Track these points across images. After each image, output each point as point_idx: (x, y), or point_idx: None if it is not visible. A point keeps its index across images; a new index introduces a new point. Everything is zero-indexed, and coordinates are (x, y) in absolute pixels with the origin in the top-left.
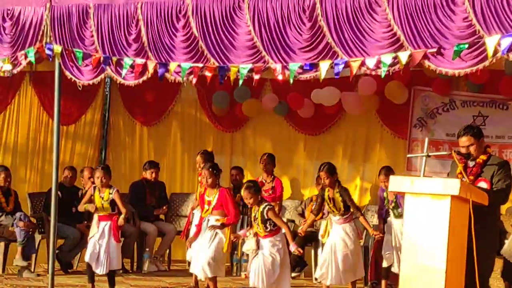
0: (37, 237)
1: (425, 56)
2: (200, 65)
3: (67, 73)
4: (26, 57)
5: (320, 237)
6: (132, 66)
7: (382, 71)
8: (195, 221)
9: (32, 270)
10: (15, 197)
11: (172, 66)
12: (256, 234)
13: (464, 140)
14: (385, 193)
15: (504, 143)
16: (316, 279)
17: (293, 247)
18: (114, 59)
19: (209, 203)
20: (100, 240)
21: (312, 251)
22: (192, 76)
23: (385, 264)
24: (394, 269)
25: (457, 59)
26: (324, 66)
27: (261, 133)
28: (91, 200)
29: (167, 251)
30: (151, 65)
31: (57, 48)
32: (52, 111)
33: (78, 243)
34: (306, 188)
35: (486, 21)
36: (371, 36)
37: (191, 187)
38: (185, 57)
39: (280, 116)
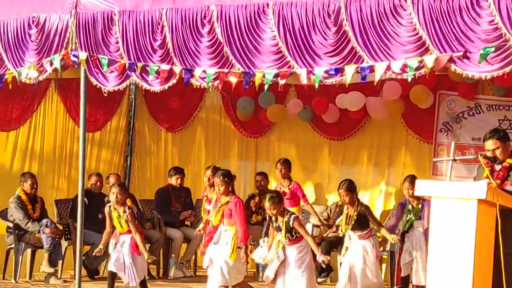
0: (64, 243)
1: (451, 60)
2: (226, 70)
3: (92, 79)
4: (51, 64)
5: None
6: (157, 72)
7: (409, 75)
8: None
9: (59, 277)
10: (42, 204)
11: (197, 71)
12: (279, 243)
13: (490, 144)
14: (406, 208)
15: None
16: None
17: (320, 257)
18: (140, 65)
19: (217, 206)
20: (123, 250)
21: (338, 256)
22: (218, 81)
23: (404, 273)
24: (413, 280)
25: (483, 62)
26: (349, 70)
27: (285, 138)
28: (110, 218)
29: (193, 256)
30: (177, 71)
31: (83, 55)
32: (77, 118)
33: (105, 250)
34: (330, 193)
35: None
36: (396, 40)
37: None
38: (210, 62)
39: (304, 121)
